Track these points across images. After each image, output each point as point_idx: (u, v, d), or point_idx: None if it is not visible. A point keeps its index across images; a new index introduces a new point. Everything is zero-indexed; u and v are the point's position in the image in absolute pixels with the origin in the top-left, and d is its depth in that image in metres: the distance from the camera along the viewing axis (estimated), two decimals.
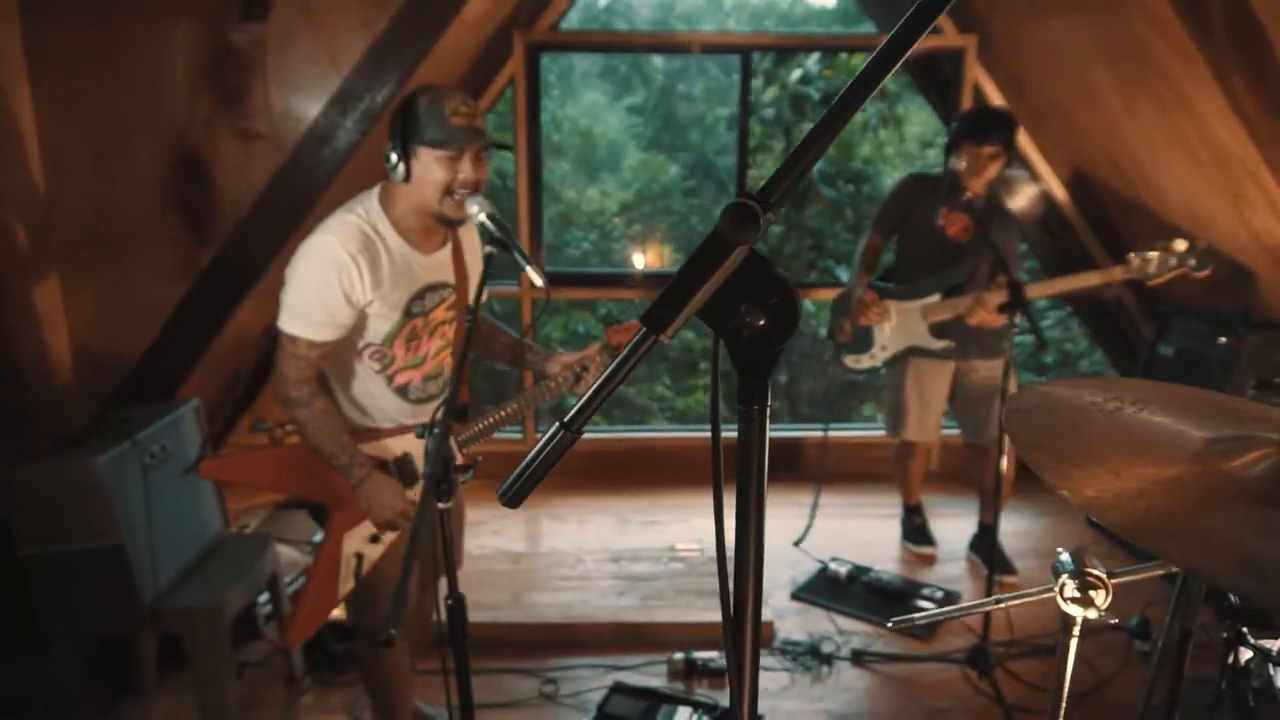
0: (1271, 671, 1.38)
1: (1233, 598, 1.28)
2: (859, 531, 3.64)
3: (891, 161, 8.46)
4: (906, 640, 2.84)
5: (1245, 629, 1.35)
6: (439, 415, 1.47)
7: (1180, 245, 2.59)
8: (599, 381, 0.65)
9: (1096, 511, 0.89)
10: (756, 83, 7.71)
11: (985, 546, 3.14)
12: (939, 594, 3.09)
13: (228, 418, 3.34)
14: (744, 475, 0.68)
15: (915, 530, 3.52)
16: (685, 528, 3.67)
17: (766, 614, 2.96)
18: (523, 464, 0.67)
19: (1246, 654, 1.37)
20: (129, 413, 2.38)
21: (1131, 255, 2.64)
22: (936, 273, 3.03)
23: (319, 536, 3.11)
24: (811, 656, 2.75)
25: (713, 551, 3.40)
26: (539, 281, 1.53)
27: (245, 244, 2.77)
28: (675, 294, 0.63)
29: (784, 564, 3.32)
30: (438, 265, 1.86)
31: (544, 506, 3.86)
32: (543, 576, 3.25)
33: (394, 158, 1.70)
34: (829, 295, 3.58)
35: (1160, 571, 1.08)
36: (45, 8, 1.98)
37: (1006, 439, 2.64)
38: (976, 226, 2.80)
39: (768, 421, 0.68)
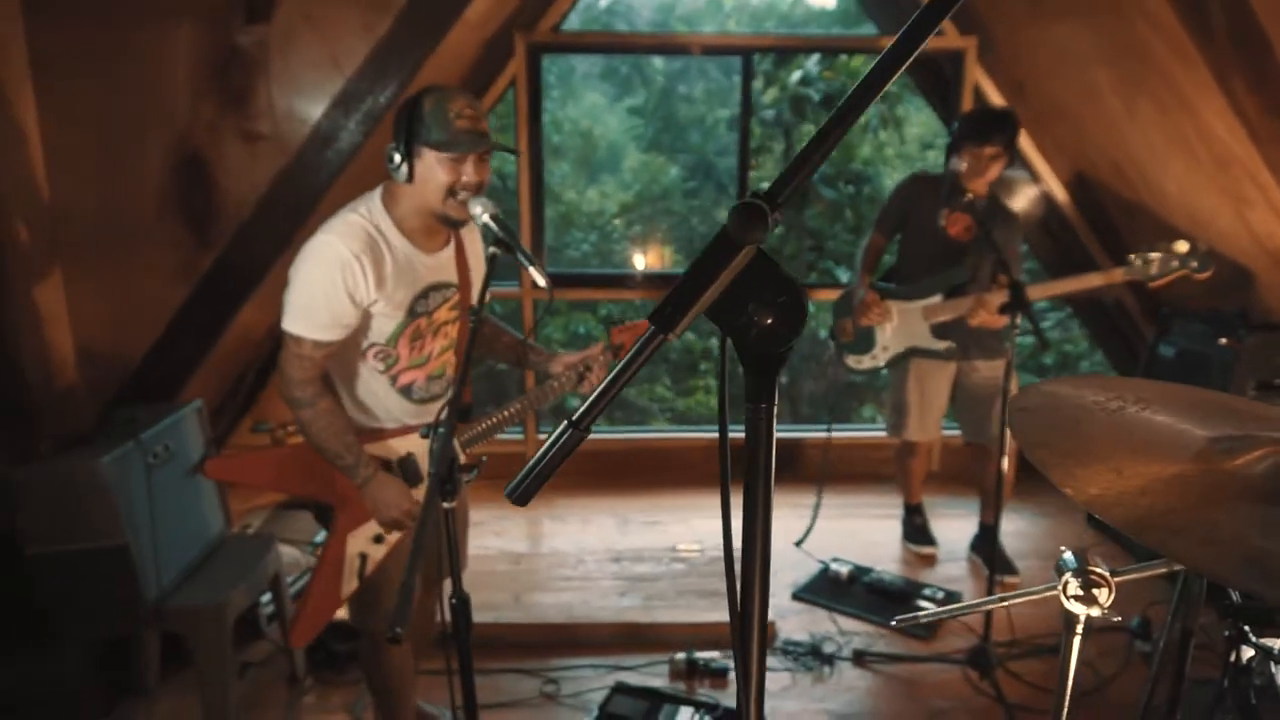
0: (1273, 670, 1.39)
1: (1234, 595, 1.29)
2: (860, 532, 3.64)
3: (891, 163, 8.47)
4: (908, 640, 2.84)
5: (1247, 627, 1.36)
6: (443, 415, 1.47)
7: (1182, 247, 2.60)
8: (607, 379, 0.66)
9: (1100, 509, 0.89)
10: (757, 84, 7.72)
11: (986, 547, 3.14)
12: (940, 594, 3.10)
13: (230, 419, 3.35)
14: (751, 473, 0.69)
15: (916, 530, 3.52)
16: (686, 528, 3.67)
17: (768, 614, 2.96)
18: (531, 462, 0.68)
19: (1248, 652, 1.37)
20: (132, 413, 2.39)
21: (1133, 256, 2.64)
22: (938, 273, 3.04)
23: (321, 537, 3.12)
24: (813, 656, 2.75)
25: (714, 552, 3.41)
26: (542, 282, 1.53)
27: (248, 245, 2.78)
28: (684, 293, 0.63)
29: (786, 564, 3.32)
30: (441, 265, 1.87)
31: (546, 507, 3.87)
32: (544, 577, 3.26)
33: (397, 158, 1.70)
34: (829, 296, 3.58)
35: (1163, 570, 1.09)
36: (48, 8, 1.98)
37: (1007, 439, 2.65)
38: (978, 227, 2.80)
39: (774, 420, 0.69)
